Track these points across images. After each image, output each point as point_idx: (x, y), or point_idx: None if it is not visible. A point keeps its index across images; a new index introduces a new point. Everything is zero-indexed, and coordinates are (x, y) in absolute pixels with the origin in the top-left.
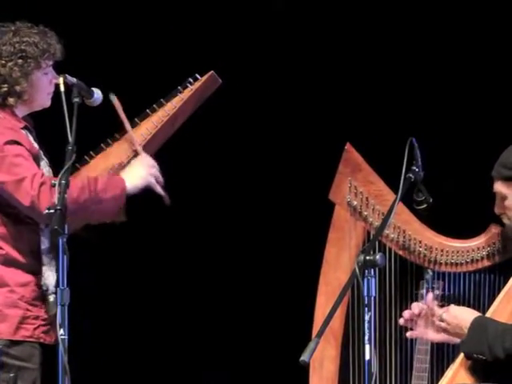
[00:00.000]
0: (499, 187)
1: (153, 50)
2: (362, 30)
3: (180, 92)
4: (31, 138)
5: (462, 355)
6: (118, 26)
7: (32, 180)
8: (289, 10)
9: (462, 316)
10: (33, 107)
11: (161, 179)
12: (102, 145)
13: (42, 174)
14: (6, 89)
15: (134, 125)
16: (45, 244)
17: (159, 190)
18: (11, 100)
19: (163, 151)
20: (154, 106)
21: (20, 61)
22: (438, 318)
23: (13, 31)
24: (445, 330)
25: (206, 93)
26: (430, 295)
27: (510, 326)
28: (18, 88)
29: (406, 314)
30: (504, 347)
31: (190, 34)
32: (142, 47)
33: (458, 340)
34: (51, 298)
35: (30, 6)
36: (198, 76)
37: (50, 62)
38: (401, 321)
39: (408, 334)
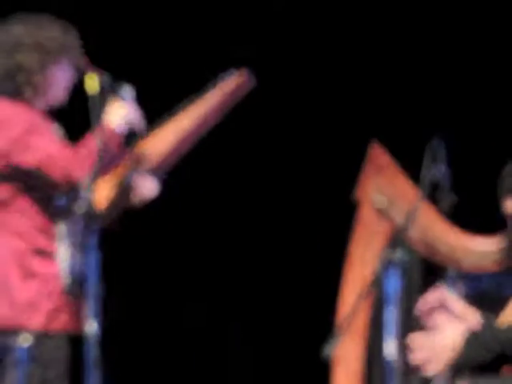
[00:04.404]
0: None
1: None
2: (389, 28)
3: (213, 88)
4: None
5: None
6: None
7: (59, 152)
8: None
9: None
10: (48, 101)
11: (139, 116)
12: None
13: (66, 146)
14: (22, 78)
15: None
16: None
17: (140, 125)
18: (27, 91)
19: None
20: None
21: (37, 53)
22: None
23: (35, 23)
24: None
25: (240, 91)
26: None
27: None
28: (33, 79)
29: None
30: None
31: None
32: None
33: None
34: (67, 287)
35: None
36: (231, 72)
37: (67, 60)
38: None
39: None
